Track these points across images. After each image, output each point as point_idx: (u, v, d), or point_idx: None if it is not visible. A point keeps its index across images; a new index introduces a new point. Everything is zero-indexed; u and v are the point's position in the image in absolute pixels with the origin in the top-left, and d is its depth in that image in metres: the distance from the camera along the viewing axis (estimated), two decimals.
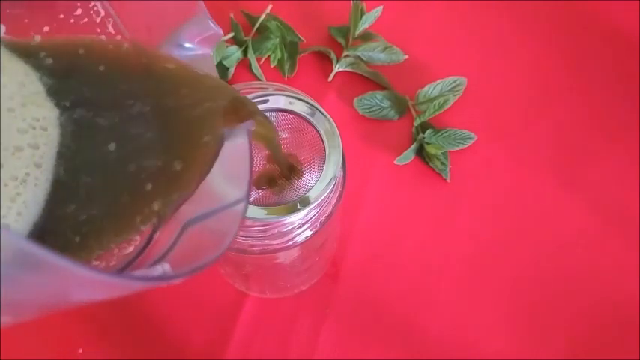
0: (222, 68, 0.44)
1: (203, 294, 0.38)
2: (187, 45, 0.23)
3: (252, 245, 0.27)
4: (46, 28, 0.20)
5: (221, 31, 0.23)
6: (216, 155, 0.22)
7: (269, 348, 0.37)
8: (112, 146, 0.20)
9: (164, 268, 0.17)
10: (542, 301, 0.38)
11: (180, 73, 0.23)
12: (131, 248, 0.20)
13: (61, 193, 0.18)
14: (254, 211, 0.25)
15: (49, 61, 0.19)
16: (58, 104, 0.18)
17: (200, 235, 0.20)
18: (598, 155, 0.43)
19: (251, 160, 0.21)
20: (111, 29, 0.22)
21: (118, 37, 0.22)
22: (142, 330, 0.37)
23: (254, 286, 0.37)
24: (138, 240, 0.20)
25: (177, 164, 0.21)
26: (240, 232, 0.26)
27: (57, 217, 0.18)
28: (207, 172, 0.21)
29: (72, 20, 0.21)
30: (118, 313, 0.38)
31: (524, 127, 0.44)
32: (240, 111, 0.23)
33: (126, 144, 0.20)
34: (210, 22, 0.22)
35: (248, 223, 0.26)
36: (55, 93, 0.18)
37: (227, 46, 0.44)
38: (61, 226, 0.18)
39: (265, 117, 0.25)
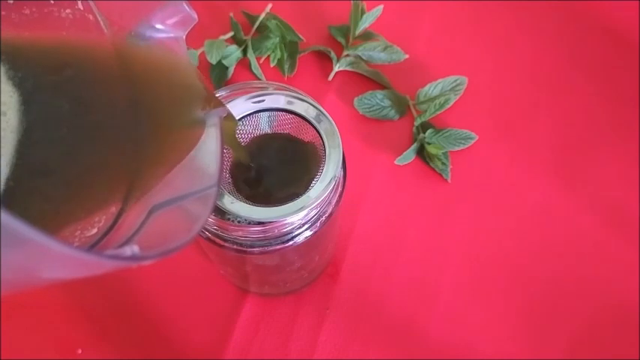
0: (221, 68, 0.44)
1: (203, 294, 0.38)
2: (159, 27, 0.22)
3: (252, 245, 0.27)
4: (10, 1, 0.20)
5: (195, 15, 0.22)
6: (196, 139, 0.21)
7: (269, 348, 0.37)
8: (84, 130, 0.19)
9: (133, 249, 0.16)
10: (542, 301, 0.38)
11: (157, 60, 0.22)
12: (94, 230, 0.20)
13: (23, 176, 0.18)
14: (254, 211, 0.25)
15: (16, 52, 0.19)
16: (21, 88, 0.18)
17: (169, 220, 0.20)
18: (598, 155, 0.43)
19: (222, 146, 0.21)
20: (80, 6, 0.21)
21: (89, 16, 0.21)
22: (142, 330, 0.37)
23: (254, 285, 0.37)
24: (102, 222, 0.20)
25: (152, 147, 0.21)
26: (240, 232, 0.26)
27: (18, 198, 0.17)
28: (184, 156, 0.21)
29: None
30: (118, 314, 0.38)
31: (525, 127, 0.44)
32: (212, 97, 0.23)
33: (98, 128, 0.20)
34: (185, 5, 0.22)
35: (248, 223, 0.26)
36: (17, 77, 0.18)
37: (227, 46, 0.44)
38: (22, 207, 0.18)
39: (229, 110, 0.25)
